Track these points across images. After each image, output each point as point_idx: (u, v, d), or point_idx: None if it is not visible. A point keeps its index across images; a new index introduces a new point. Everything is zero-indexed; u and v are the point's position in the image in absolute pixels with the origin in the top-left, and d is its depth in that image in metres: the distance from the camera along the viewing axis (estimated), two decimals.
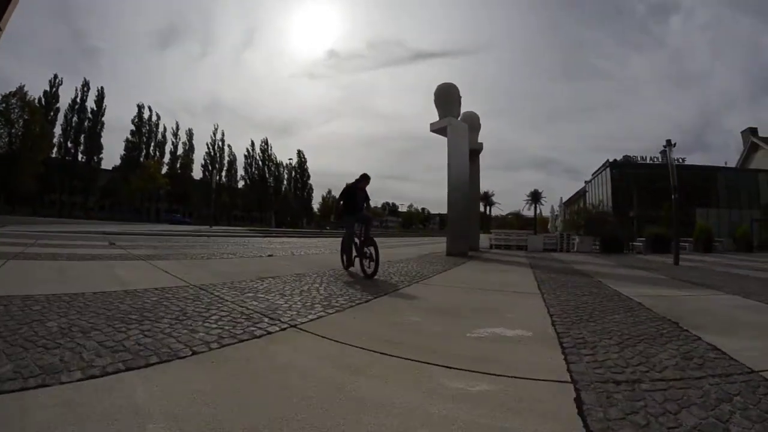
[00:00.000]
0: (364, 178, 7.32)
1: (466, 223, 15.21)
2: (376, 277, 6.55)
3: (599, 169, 53.10)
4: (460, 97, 15.73)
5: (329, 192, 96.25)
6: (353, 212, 7.13)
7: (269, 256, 10.41)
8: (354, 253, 7.18)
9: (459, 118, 16.06)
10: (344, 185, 7.47)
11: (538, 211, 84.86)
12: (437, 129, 15.38)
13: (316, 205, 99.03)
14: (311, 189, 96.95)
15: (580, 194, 59.63)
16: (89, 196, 60.26)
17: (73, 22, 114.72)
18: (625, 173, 48.11)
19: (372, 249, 6.60)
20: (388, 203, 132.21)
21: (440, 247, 17.73)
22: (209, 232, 23.99)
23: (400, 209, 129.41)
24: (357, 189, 7.22)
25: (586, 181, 59.01)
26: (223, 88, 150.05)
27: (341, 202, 7.32)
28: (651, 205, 40.13)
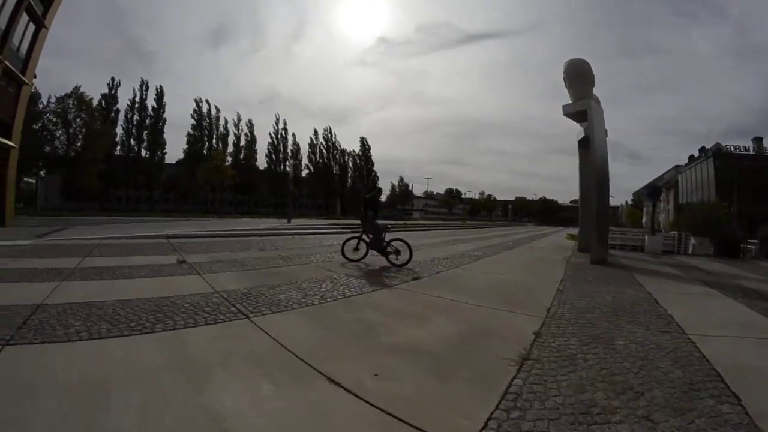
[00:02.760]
0: (380, 192, 10.55)
1: (608, 223, 14.56)
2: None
3: (699, 158, 51.16)
4: (593, 75, 14.87)
5: (401, 180, 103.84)
6: (375, 217, 9.57)
7: None
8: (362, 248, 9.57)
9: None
10: (365, 196, 10.21)
11: (615, 202, 79.10)
12: (572, 113, 14.85)
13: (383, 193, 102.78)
14: (376, 177, 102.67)
15: (667, 184, 55.96)
16: (154, 190, 68.71)
17: (127, 31, 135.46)
18: (726, 165, 45.51)
19: (402, 244, 9.34)
20: (451, 189, 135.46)
21: (544, 245, 18.12)
22: (290, 228, 23.01)
23: (464, 195, 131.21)
24: (377, 200, 9.85)
25: (679, 171, 57.45)
26: (277, 81, 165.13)
27: (367, 210, 9.54)
28: (755, 200, 39.19)
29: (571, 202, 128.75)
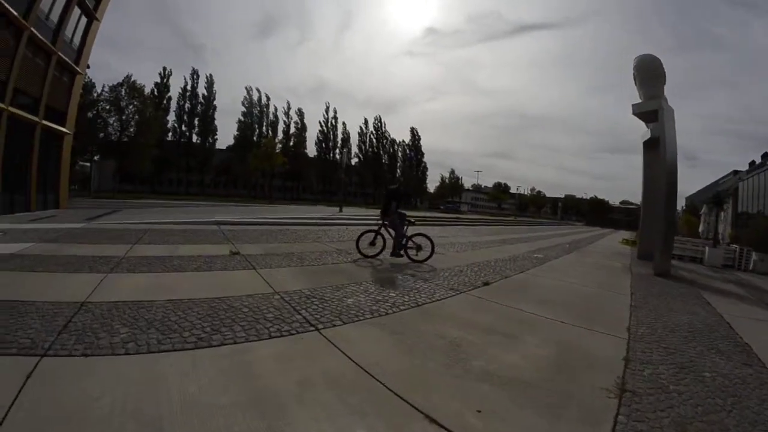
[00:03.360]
0: (402, 183, 12.52)
1: (675, 233, 14.09)
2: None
3: (762, 165, 46.40)
4: (665, 73, 14.19)
5: (452, 172, 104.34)
6: (397, 211, 9.08)
7: None
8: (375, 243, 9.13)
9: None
10: (388, 188, 9.77)
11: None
12: (643, 112, 14.13)
13: (431, 184, 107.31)
14: (426, 167, 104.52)
15: (726, 192, 50.94)
16: (205, 174, 72.57)
17: (177, 24, 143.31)
18: None
19: (424, 239, 9.13)
20: (500, 183, 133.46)
21: (601, 249, 17.51)
22: (342, 217, 22.49)
23: (512, 190, 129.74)
24: (401, 192, 9.41)
25: (740, 178, 52.25)
26: (326, 70, 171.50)
27: (391, 202, 9.04)
28: None
29: (621, 203, 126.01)
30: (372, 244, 9.12)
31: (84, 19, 19.32)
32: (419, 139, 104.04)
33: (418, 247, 8.99)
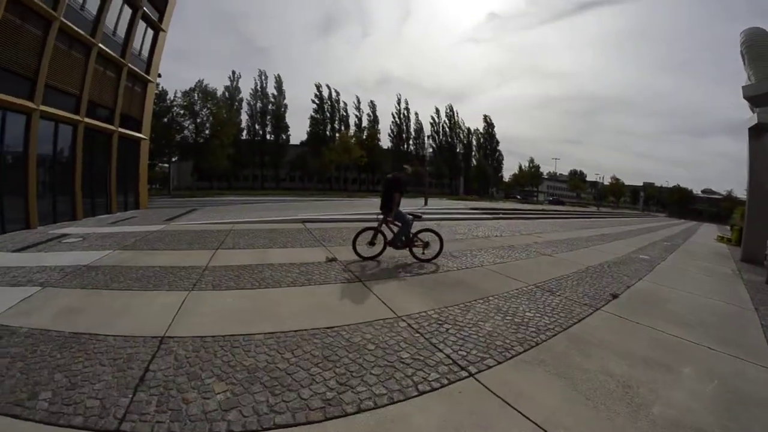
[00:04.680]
0: (406, 171, 8.67)
1: None
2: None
3: None
4: None
5: (531, 161, 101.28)
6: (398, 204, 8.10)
7: None
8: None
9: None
10: (387, 177, 8.45)
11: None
12: (756, 95, 12.65)
13: (506, 172, 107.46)
14: (501, 155, 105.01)
15: None
16: (279, 169, 76.83)
17: (242, 31, 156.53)
18: None
19: (432, 236, 8.47)
20: (575, 171, 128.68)
21: (697, 248, 16.44)
22: (428, 211, 21.20)
23: (588, 178, 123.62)
24: (403, 181, 8.22)
25: None
26: (391, 62, 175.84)
27: (394, 193, 7.97)
28: None
29: (703, 191, 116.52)
30: (371, 243, 8.22)
31: (150, 31, 20.75)
32: (493, 126, 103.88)
33: (426, 245, 8.27)
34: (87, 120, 15.12)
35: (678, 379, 3.75)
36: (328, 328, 4.33)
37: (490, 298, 5.83)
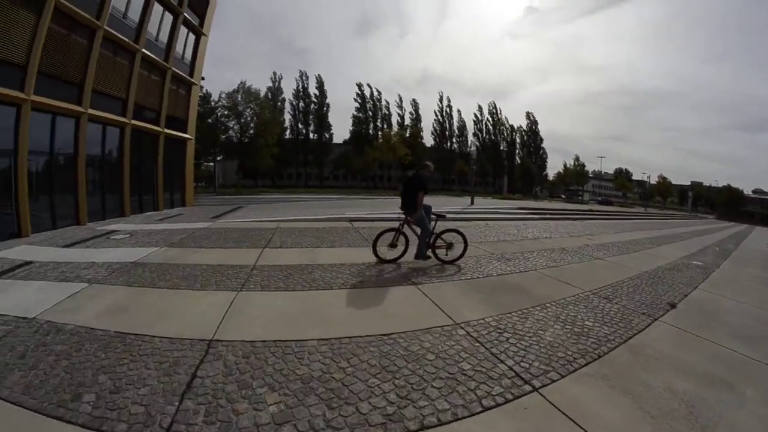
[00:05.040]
0: (428, 168, 8.27)
1: None
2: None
3: None
4: None
5: (577, 159, 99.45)
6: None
7: None
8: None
9: None
10: (408, 175, 7.94)
11: None
12: None
13: (550, 171, 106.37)
14: (545, 153, 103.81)
15: None
16: (323, 168, 79.40)
17: (279, 33, 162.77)
18: None
19: (456, 236, 8.09)
20: (621, 169, 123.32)
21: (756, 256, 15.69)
22: (475, 211, 20.75)
23: (634, 177, 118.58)
24: (427, 179, 7.78)
25: None
26: (430, 61, 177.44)
27: (418, 191, 7.50)
28: None
29: (754, 192, 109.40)
30: (392, 245, 7.74)
31: (192, 36, 21.82)
32: (536, 123, 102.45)
33: (449, 246, 7.85)
34: (134, 122, 15.89)
35: (742, 400, 3.55)
36: (384, 335, 4.13)
37: (548, 305, 5.63)
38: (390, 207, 20.53)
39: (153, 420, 2.66)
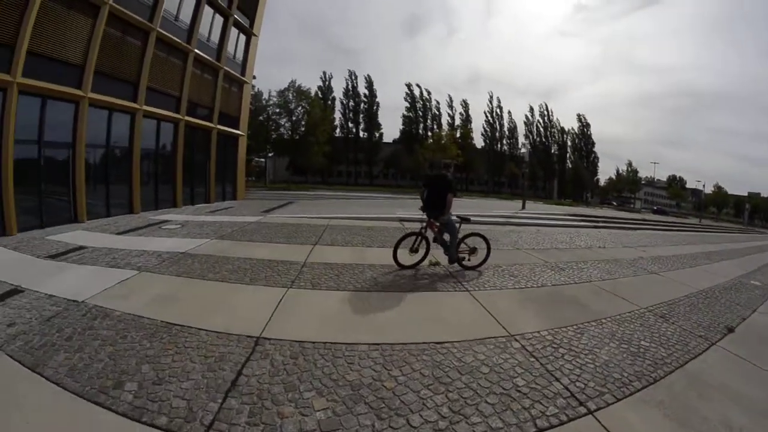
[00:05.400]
0: (451, 168, 8.82)
1: None
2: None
3: None
4: None
5: (629, 164, 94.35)
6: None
7: None
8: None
9: None
10: (429, 174, 8.16)
11: None
12: None
13: (601, 176, 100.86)
14: (596, 158, 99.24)
15: None
16: (372, 166, 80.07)
17: (328, 34, 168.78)
18: None
19: (479, 240, 7.81)
20: (674, 176, 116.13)
21: None
22: (527, 216, 20.35)
23: (688, 185, 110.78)
24: (451, 180, 7.62)
25: None
26: (479, 60, 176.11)
27: (447, 192, 7.31)
28: None
29: None
30: (414, 250, 7.30)
31: (242, 37, 22.80)
32: (588, 126, 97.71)
33: (472, 250, 7.61)
34: (187, 118, 16.79)
35: None
36: (437, 343, 3.96)
37: (603, 320, 5.39)
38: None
39: (194, 416, 2.62)
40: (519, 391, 3.26)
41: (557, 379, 3.54)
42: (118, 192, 13.11)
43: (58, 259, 6.62)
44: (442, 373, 3.38)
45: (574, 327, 4.92)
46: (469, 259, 7.49)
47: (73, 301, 4.63)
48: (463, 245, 7.52)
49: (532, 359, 3.86)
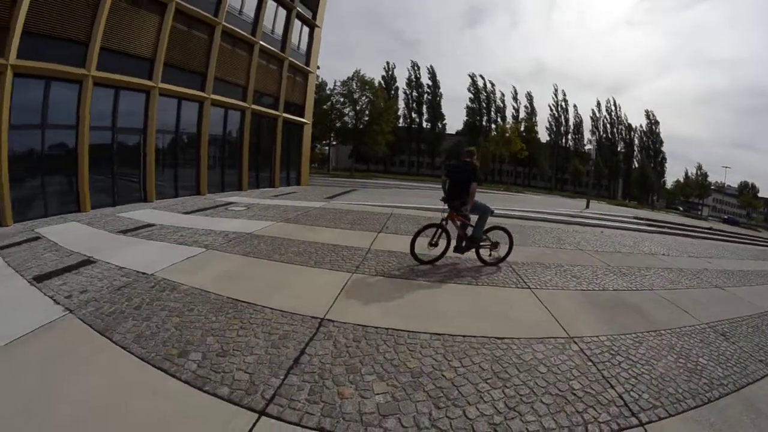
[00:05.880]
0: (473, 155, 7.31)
1: None
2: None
3: None
4: None
5: (699, 168, 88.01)
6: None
7: None
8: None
9: None
10: (452, 167, 7.35)
11: None
12: None
13: (668, 178, 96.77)
14: (664, 158, 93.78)
15: None
16: (435, 157, 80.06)
17: (389, 26, 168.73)
18: None
19: (502, 234, 7.34)
20: (746, 184, 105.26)
21: None
22: (591, 216, 19.42)
23: (761, 194, 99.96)
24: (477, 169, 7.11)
25: None
26: (543, 51, 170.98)
27: (470, 181, 6.79)
28: None
29: None
30: (433, 244, 6.78)
31: (306, 28, 23.66)
32: (656, 123, 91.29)
33: (495, 245, 7.08)
34: (254, 106, 17.79)
35: None
36: (498, 338, 3.91)
37: (663, 332, 5.13)
38: (507, 202, 20.39)
39: (256, 389, 2.69)
40: (574, 394, 3.25)
41: (612, 387, 3.51)
42: (186, 174, 14.04)
43: (128, 234, 7.05)
44: (500, 368, 3.36)
45: (633, 335, 4.80)
46: (490, 254, 7.12)
47: (143, 273, 4.88)
48: (486, 239, 7.10)
49: (590, 363, 3.83)
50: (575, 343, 4.22)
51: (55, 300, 3.99)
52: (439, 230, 6.79)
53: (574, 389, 3.32)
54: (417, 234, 6.75)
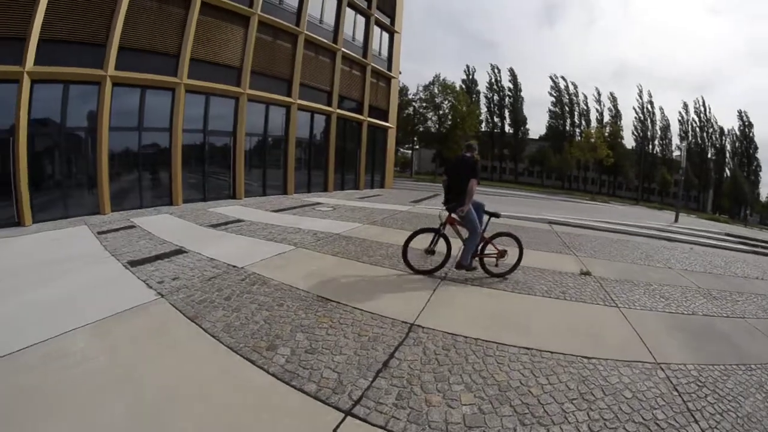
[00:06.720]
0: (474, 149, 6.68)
1: None
2: None
3: None
4: None
5: None
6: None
7: None
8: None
9: None
10: (452, 161, 6.87)
11: None
12: None
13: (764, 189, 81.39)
14: (759, 166, 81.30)
15: None
16: (517, 163, 79.22)
17: (465, 28, 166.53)
18: None
19: (510, 240, 6.55)
20: None
21: None
22: (680, 231, 17.51)
23: None
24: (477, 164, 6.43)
25: None
26: (624, 49, 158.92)
27: (470, 178, 6.03)
28: None
29: None
30: (429, 251, 6.17)
31: (386, 35, 24.36)
32: (750, 126, 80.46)
33: (501, 254, 6.23)
34: (338, 111, 19.05)
35: None
36: (586, 358, 3.77)
37: (753, 366, 4.63)
38: (594, 213, 19.64)
39: (343, 389, 2.74)
40: (657, 425, 3.07)
41: (696, 421, 3.27)
42: (273, 175, 15.11)
43: (218, 229, 7.54)
44: (586, 389, 3.24)
45: (722, 367, 4.37)
46: (496, 265, 6.33)
47: (233, 266, 5.17)
48: (490, 247, 6.34)
49: (675, 393, 3.59)
50: (662, 369, 3.99)
51: (147, 284, 4.36)
52: (437, 236, 6.23)
53: (658, 419, 3.18)
54: (410, 239, 6.16)
